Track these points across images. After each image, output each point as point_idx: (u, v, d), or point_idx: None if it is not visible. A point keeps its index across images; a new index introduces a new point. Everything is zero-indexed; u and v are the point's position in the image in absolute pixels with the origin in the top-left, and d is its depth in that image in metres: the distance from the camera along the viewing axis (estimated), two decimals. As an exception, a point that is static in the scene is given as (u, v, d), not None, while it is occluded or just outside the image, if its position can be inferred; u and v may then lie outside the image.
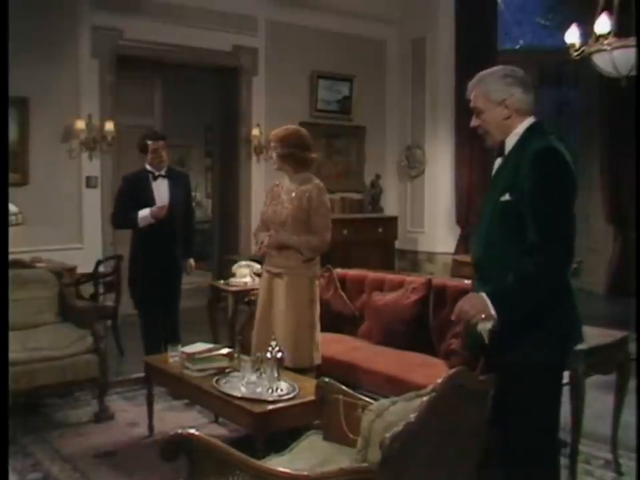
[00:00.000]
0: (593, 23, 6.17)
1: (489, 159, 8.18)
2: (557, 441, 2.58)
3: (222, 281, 5.38)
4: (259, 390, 3.27)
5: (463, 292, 4.21)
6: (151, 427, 4.10)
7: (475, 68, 7.81)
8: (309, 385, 3.34)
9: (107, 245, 6.92)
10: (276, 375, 3.29)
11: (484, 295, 2.35)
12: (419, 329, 4.14)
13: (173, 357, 3.86)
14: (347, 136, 8.71)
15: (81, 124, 6.72)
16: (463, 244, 8.36)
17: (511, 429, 2.43)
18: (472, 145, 8.22)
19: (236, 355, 3.52)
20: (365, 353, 4.09)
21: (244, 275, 5.12)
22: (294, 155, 3.89)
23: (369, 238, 8.36)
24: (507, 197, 2.38)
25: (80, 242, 6.79)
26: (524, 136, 2.46)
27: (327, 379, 2.70)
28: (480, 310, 2.34)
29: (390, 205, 8.99)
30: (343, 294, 4.65)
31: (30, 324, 4.54)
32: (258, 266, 5.16)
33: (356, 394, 2.61)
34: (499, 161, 2.57)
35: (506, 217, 2.40)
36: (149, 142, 4.99)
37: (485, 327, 2.40)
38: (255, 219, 7.96)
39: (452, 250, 8.41)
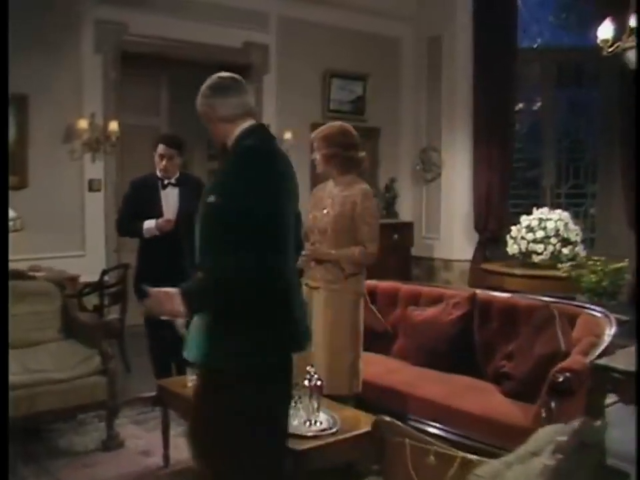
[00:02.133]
0: (623, 18, 5.82)
1: (509, 162, 8.05)
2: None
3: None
4: (295, 423, 2.88)
5: (511, 307, 3.86)
6: (166, 457, 3.71)
7: (494, 67, 7.58)
8: (350, 417, 2.97)
9: (111, 252, 6.52)
10: (316, 405, 2.89)
11: (175, 290, 2.24)
12: (462, 348, 3.76)
13: (192, 380, 3.46)
14: (361, 138, 8.18)
15: (83, 123, 6.32)
16: (480, 251, 8.00)
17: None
18: (491, 147, 7.90)
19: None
20: (404, 376, 3.70)
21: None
22: (338, 155, 3.50)
23: (384, 245, 7.74)
24: (211, 198, 2.39)
25: (82, 249, 6.38)
26: (236, 139, 2.51)
27: (387, 418, 2.29)
28: (167, 307, 2.24)
29: (404, 210, 8.62)
30: (373, 308, 4.26)
31: (30, 341, 4.13)
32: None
33: (425, 437, 2.21)
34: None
35: (211, 218, 2.41)
36: (158, 145, 4.63)
37: (178, 323, 2.49)
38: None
39: (469, 257, 8.06)
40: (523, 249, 5.97)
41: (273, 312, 2.29)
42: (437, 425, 3.31)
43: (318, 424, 2.88)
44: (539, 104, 9.14)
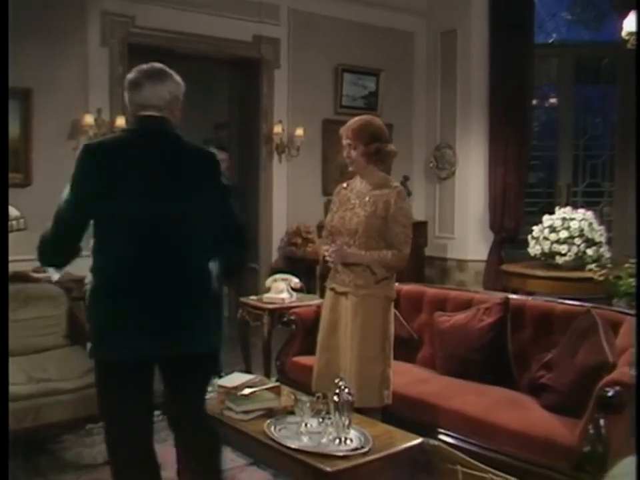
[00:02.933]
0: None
1: (525, 160, 7.82)
2: None
3: (254, 297, 4.74)
4: (324, 441, 2.65)
5: (547, 312, 3.63)
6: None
7: (511, 62, 7.37)
8: (382, 434, 2.74)
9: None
10: (346, 422, 2.66)
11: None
12: (495, 357, 3.53)
13: (209, 392, 3.24)
14: None
15: (89, 119, 6.10)
16: (496, 251, 7.79)
17: None
18: (507, 144, 7.70)
19: (293, 396, 2.87)
20: (435, 387, 3.46)
21: (280, 289, 4.48)
22: (381, 150, 3.28)
23: None
24: None
25: (88, 249, 6.14)
26: None
27: (435, 442, 2.07)
28: None
29: (417, 209, 8.39)
30: (397, 313, 4.02)
31: (35, 348, 3.90)
32: (296, 280, 4.54)
33: (479, 464, 1.98)
34: None
35: None
36: None
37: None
38: (277, 224, 7.39)
39: (484, 257, 7.84)
40: (546, 250, 5.73)
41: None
42: (472, 440, 3.08)
43: (348, 442, 2.65)
44: (554, 100, 8.91)
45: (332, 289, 3.34)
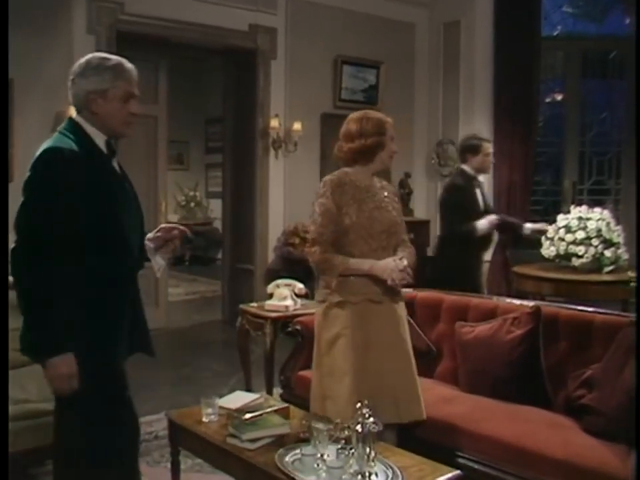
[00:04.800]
0: None
1: (531, 157, 7.52)
2: None
3: (254, 304, 4.37)
4: (345, 477, 2.30)
5: (585, 323, 3.30)
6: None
7: (516, 55, 7.13)
8: (410, 465, 2.41)
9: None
10: (372, 454, 2.31)
11: None
12: (527, 373, 3.18)
13: (209, 414, 2.88)
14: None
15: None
16: (501, 251, 7.47)
17: None
18: (512, 140, 7.44)
19: (307, 423, 2.51)
20: (461, 407, 3.10)
21: (284, 296, 4.11)
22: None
23: None
24: None
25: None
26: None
27: None
28: None
29: (419, 207, 8.10)
30: (413, 323, 3.67)
31: (12, 363, 3.48)
32: (300, 285, 4.18)
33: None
34: None
35: None
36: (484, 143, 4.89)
37: None
38: (274, 224, 7.04)
39: (488, 257, 7.50)
40: (562, 252, 5.40)
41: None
42: (507, 469, 2.74)
43: (373, 477, 2.30)
44: (561, 95, 8.62)
45: (361, 301, 2.97)
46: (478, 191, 4.97)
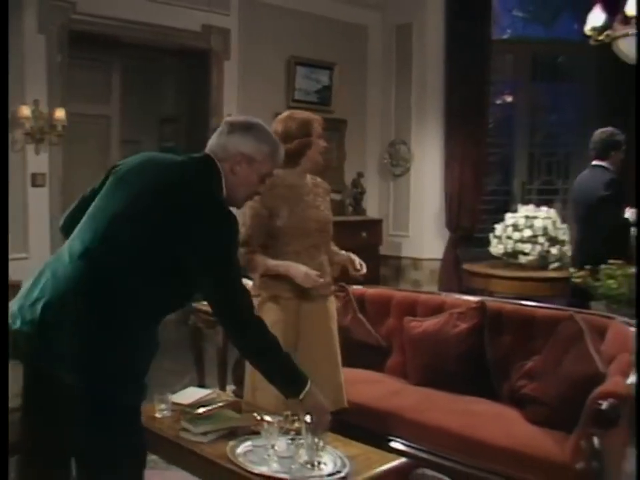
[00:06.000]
0: (616, 5, 5.47)
1: (482, 157, 7.68)
2: None
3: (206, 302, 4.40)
4: (294, 466, 2.36)
5: (528, 317, 3.42)
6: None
7: (467, 57, 7.26)
8: (357, 454, 2.47)
9: (57, 254, 5.88)
10: (320, 443, 2.38)
11: None
12: (473, 365, 3.30)
13: (162, 410, 2.91)
14: (327, 130, 7.57)
15: (25, 111, 5.67)
16: (452, 249, 7.63)
17: None
18: (463, 141, 7.54)
19: (258, 416, 2.57)
20: (410, 399, 3.20)
21: (236, 294, 4.15)
22: None
23: (352, 244, 7.28)
24: None
25: (25, 251, 5.73)
26: None
27: (427, 471, 1.80)
28: None
29: (372, 207, 8.19)
30: (363, 319, 3.76)
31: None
32: (250, 282, 4.22)
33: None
34: None
35: None
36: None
37: None
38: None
39: (440, 256, 7.68)
40: (509, 249, 5.56)
41: None
42: (454, 458, 2.83)
43: (322, 466, 2.37)
44: (511, 97, 8.82)
45: (292, 296, 3.05)
46: None
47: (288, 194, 3.07)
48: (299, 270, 2.96)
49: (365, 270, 3.17)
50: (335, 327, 3.12)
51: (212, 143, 2.39)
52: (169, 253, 2.15)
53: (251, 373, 3.05)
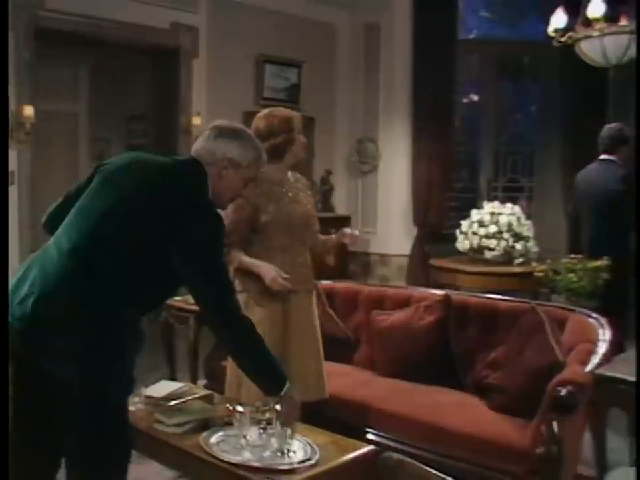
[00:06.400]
0: (578, 8, 5.61)
1: (449, 154, 7.80)
2: None
3: (178, 298, 4.44)
4: (266, 454, 2.43)
5: (491, 310, 3.52)
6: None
7: (434, 56, 7.35)
8: (327, 442, 2.55)
9: (26, 255, 5.84)
10: (289, 432, 2.45)
11: None
12: (438, 356, 3.40)
13: (135, 404, 2.96)
14: None
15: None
16: (419, 246, 7.74)
17: None
18: (431, 138, 7.64)
19: (230, 406, 2.64)
20: (378, 390, 3.29)
21: (207, 290, 4.21)
22: None
23: None
24: None
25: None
26: None
27: (393, 454, 1.89)
28: None
29: (340, 203, 8.28)
30: (332, 313, 3.84)
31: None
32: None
33: (445, 477, 1.81)
34: None
35: None
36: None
37: None
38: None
39: (407, 252, 7.79)
40: (475, 245, 5.68)
41: None
42: (420, 445, 2.93)
43: (291, 453, 2.44)
44: (477, 97, 8.97)
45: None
46: None
47: (272, 189, 3.14)
48: (269, 272, 3.02)
49: (358, 234, 3.32)
50: (316, 320, 3.20)
51: (198, 146, 2.45)
52: (156, 250, 2.22)
53: (235, 370, 3.09)
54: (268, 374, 2.49)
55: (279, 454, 2.44)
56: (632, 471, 1.49)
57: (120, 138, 12.25)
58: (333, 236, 3.38)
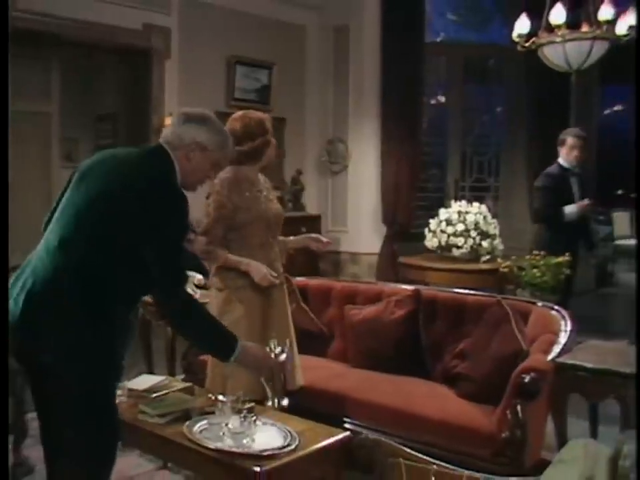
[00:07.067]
0: (542, 13, 5.80)
1: (417, 155, 7.96)
2: None
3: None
4: (245, 441, 2.55)
5: (459, 304, 3.68)
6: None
7: (402, 59, 7.50)
8: (305, 429, 2.66)
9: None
10: (271, 421, 2.57)
11: None
12: (408, 348, 3.54)
13: (118, 397, 3.05)
14: None
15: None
16: (389, 244, 7.89)
17: None
18: (400, 140, 7.80)
19: (212, 396, 2.75)
20: (352, 381, 3.43)
21: (184, 287, 4.31)
22: None
23: None
24: None
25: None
26: None
27: (374, 436, 2.02)
28: None
29: (311, 203, 8.40)
30: (306, 308, 3.97)
31: None
32: (199, 276, 4.38)
33: (423, 456, 1.95)
34: None
35: None
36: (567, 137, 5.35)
37: None
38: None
39: (377, 250, 7.94)
40: (443, 243, 5.84)
41: None
42: (392, 432, 3.07)
43: (273, 441, 2.55)
44: (444, 98, 9.15)
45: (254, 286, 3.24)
46: (573, 180, 5.46)
47: (251, 189, 3.26)
48: (259, 269, 3.16)
49: (326, 241, 3.56)
50: (290, 312, 3.34)
51: (167, 132, 2.55)
52: (132, 238, 2.32)
53: (216, 362, 3.17)
54: (215, 339, 2.60)
55: (259, 441, 2.55)
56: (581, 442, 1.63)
57: (89, 138, 12.24)
58: (292, 238, 3.54)
